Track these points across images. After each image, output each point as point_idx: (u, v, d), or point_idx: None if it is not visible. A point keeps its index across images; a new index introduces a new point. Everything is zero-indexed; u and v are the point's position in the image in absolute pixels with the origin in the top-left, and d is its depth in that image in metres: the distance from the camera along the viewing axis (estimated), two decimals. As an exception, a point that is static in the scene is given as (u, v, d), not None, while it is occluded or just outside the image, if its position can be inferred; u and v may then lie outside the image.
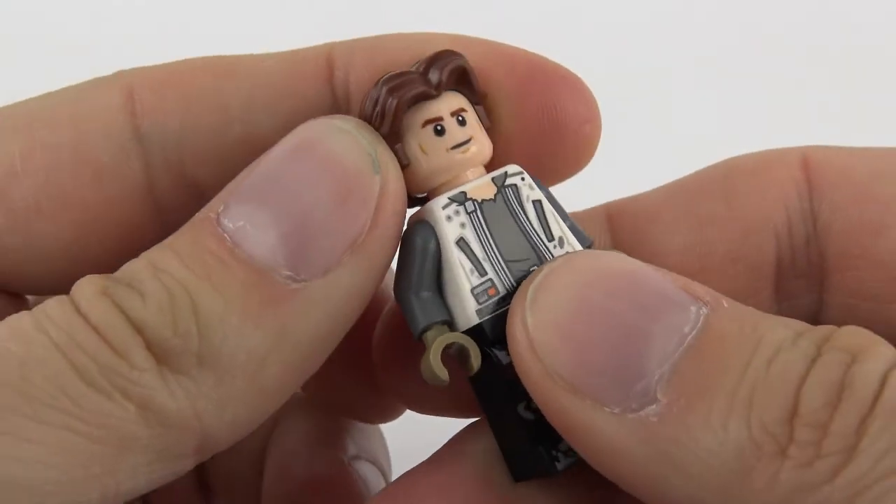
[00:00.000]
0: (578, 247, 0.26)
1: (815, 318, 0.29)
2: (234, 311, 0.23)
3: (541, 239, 0.26)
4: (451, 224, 0.26)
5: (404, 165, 0.26)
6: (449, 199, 0.26)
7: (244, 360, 0.23)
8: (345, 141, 0.25)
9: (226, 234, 0.24)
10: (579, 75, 0.27)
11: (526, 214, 0.26)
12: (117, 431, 0.22)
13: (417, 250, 0.26)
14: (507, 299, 0.25)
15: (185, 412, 0.23)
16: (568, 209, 0.30)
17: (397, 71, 0.26)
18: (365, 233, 0.24)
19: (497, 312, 0.25)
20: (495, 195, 0.26)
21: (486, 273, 0.26)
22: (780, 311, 0.29)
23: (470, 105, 0.27)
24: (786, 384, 0.21)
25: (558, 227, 0.26)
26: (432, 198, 0.26)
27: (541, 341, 0.23)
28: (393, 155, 0.26)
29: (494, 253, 0.26)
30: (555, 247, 0.26)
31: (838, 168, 0.29)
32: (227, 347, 0.23)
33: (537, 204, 0.26)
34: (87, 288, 0.23)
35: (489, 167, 0.27)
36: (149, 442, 0.22)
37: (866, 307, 0.28)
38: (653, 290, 0.23)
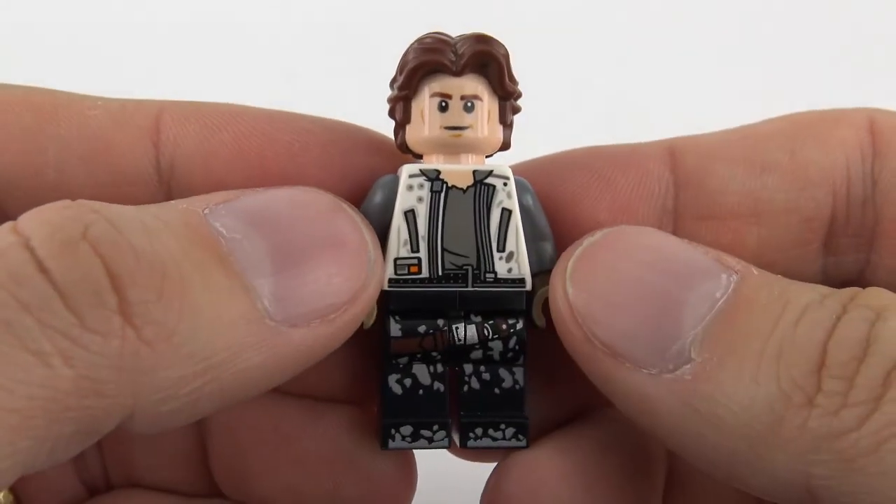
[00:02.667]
0: (526, 268, 0.27)
1: (859, 278, 0.30)
2: (212, 313, 0.23)
3: (489, 245, 0.27)
4: (409, 193, 0.27)
5: (405, 122, 0.27)
6: (420, 171, 0.27)
7: (203, 356, 0.22)
8: (351, 226, 0.26)
9: (220, 238, 0.24)
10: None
11: (489, 217, 0.27)
12: (49, 403, 0.20)
13: (375, 200, 0.27)
14: (426, 282, 0.27)
15: (125, 387, 0.21)
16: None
17: (439, 35, 0.27)
18: (339, 313, 0.25)
19: (408, 289, 0.27)
20: (467, 188, 0.27)
21: (417, 251, 0.27)
22: (826, 266, 0.30)
23: (493, 96, 0.27)
24: (813, 339, 0.23)
25: (515, 242, 0.27)
26: (425, 160, 0.28)
27: (581, 310, 0.25)
28: (383, 262, 0.26)
29: (436, 237, 0.27)
30: (500, 258, 0.27)
31: None
32: (192, 340, 0.22)
33: (505, 213, 0.27)
34: (55, 219, 0.22)
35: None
36: (78, 414, 0.21)
37: None
38: (685, 260, 0.25)
